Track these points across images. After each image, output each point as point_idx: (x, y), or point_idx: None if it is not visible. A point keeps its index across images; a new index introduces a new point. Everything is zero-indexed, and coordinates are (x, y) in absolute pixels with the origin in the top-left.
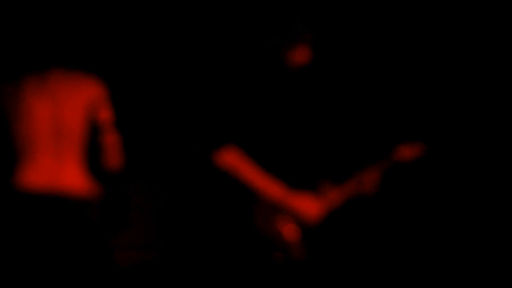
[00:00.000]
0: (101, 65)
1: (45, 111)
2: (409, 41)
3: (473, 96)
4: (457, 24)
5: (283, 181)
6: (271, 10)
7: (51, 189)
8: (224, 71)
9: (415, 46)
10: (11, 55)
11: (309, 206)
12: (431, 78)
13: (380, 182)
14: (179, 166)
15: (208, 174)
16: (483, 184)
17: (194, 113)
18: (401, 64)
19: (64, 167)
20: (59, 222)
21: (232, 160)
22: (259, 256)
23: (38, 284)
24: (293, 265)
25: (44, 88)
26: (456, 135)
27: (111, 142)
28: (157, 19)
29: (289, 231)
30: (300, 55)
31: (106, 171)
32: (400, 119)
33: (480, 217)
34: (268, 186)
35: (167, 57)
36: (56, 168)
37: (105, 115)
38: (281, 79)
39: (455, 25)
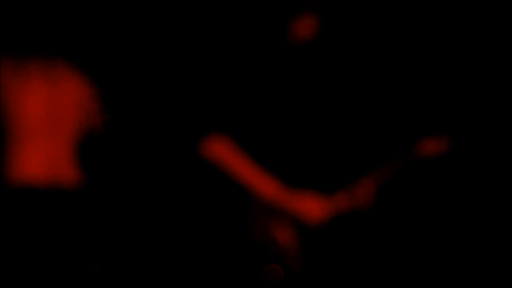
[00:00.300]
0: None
1: (39, 100)
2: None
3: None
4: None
5: (280, 177)
6: None
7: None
8: (212, 45)
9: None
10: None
11: (311, 207)
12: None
13: (394, 181)
14: (159, 156)
15: (193, 167)
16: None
17: (176, 94)
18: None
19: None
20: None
21: (222, 150)
22: (252, 267)
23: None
24: (289, 278)
25: (42, 77)
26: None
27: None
28: None
29: (286, 237)
30: (304, 27)
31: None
32: (425, 109)
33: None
34: (263, 183)
35: (152, 34)
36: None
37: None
38: (281, 56)
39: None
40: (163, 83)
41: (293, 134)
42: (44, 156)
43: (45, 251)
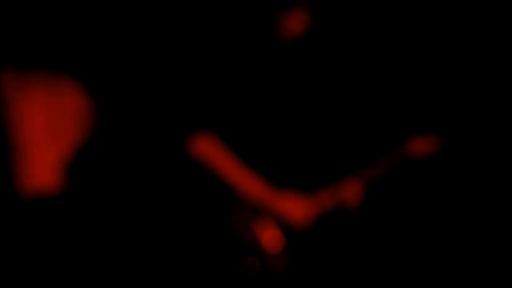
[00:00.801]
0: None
1: (41, 110)
2: (427, 18)
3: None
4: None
5: (266, 177)
6: None
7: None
8: (200, 43)
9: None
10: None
11: (296, 207)
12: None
13: (382, 181)
14: (144, 154)
15: (179, 165)
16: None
17: (162, 91)
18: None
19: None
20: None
21: (208, 149)
22: (234, 266)
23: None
24: (272, 279)
25: (44, 88)
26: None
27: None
28: None
29: (270, 238)
30: (295, 22)
31: None
32: (413, 110)
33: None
34: (249, 182)
35: (140, 32)
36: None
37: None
38: (271, 52)
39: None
40: (150, 81)
41: (280, 132)
42: (46, 164)
43: (52, 256)
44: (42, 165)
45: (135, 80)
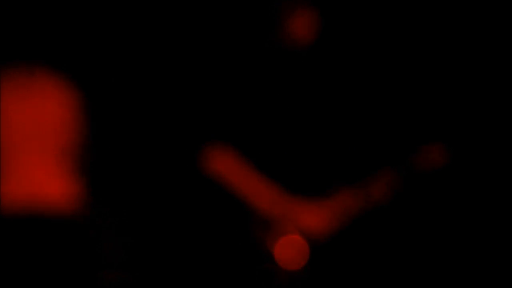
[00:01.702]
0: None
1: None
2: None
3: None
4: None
5: (282, 185)
6: None
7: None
8: (208, 53)
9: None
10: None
11: (315, 215)
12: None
13: (397, 188)
14: (156, 171)
15: (192, 183)
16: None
17: (174, 104)
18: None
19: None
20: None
21: (223, 160)
22: (256, 280)
23: None
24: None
25: (23, 88)
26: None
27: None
28: None
29: (291, 250)
30: (301, 26)
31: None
32: (426, 116)
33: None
34: (263, 191)
35: (145, 39)
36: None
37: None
38: (278, 61)
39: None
40: (158, 92)
41: (292, 139)
42: (30, 173)
43: (39, 271)
44: (23, 175)
45: (142, 90)
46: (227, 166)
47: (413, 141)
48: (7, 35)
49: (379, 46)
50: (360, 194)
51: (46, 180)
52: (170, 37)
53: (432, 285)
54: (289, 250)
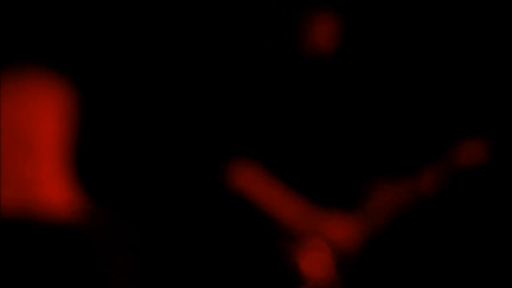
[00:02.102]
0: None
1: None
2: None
3: None
4: None
5: (310, 198)
6: None
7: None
8: (225, 63)
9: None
10: None
11: (344, 228)
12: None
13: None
14: (173, 185)
15: (214, 199)
16: None
17: (192, 116)
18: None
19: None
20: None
21: (252, 179)
22: None
23: None
24: None
25: (19, 89)
26: None
27: None
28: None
29: (319, 266)
30: (321, 31)
31: None
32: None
33: None
34: (289, 206)
35: (157, 45)
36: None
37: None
38: (300, 71)
39: None
40: (172, 110)
41: (317, 150)
42: (27, 176)
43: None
44: (15, 180)
45: (146, 94)
46: (251, 180)
47: (453, 137)
48: (4, 35)
49: (403, 48)
50: (404, 194)
51: (44, 183)
52: (179, 42)
53: None
54: (317, 266)
